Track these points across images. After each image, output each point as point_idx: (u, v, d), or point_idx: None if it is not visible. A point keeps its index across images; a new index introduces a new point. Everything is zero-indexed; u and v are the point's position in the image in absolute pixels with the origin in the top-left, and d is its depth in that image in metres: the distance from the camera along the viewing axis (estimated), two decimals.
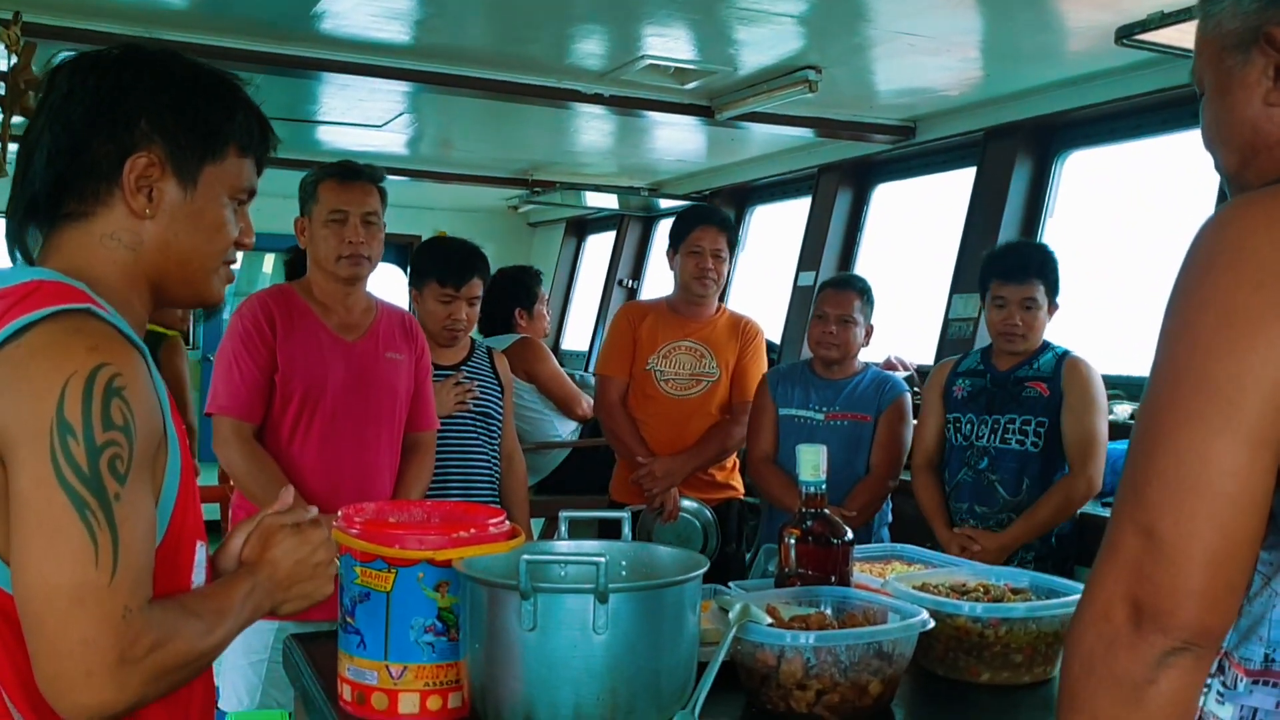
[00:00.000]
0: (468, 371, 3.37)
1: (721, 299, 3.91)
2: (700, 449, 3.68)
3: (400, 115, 5.50)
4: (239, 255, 1.43)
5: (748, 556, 3.84)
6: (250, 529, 1.42)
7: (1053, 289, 3.18)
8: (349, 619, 1.61)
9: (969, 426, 3.23)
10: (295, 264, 4.45)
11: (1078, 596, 1.79)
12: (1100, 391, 3.14)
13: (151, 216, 1.31)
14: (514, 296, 4.92)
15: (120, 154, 1.29)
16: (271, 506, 1.45)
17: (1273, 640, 1.03)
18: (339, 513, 1.67)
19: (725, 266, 3.73)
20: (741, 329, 3.81)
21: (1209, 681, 1.06)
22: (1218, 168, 1.19)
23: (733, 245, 3.76)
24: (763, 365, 3.82)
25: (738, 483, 3.87)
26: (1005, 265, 3.21)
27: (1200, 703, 1.05)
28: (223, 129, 1.35)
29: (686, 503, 3.69)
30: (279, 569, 1.37)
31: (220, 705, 2.91)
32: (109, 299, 1.27)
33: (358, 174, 2.87)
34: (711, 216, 3.81)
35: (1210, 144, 1.19)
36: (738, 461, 3.88)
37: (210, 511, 4.70)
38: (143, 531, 1.19)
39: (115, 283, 1.31)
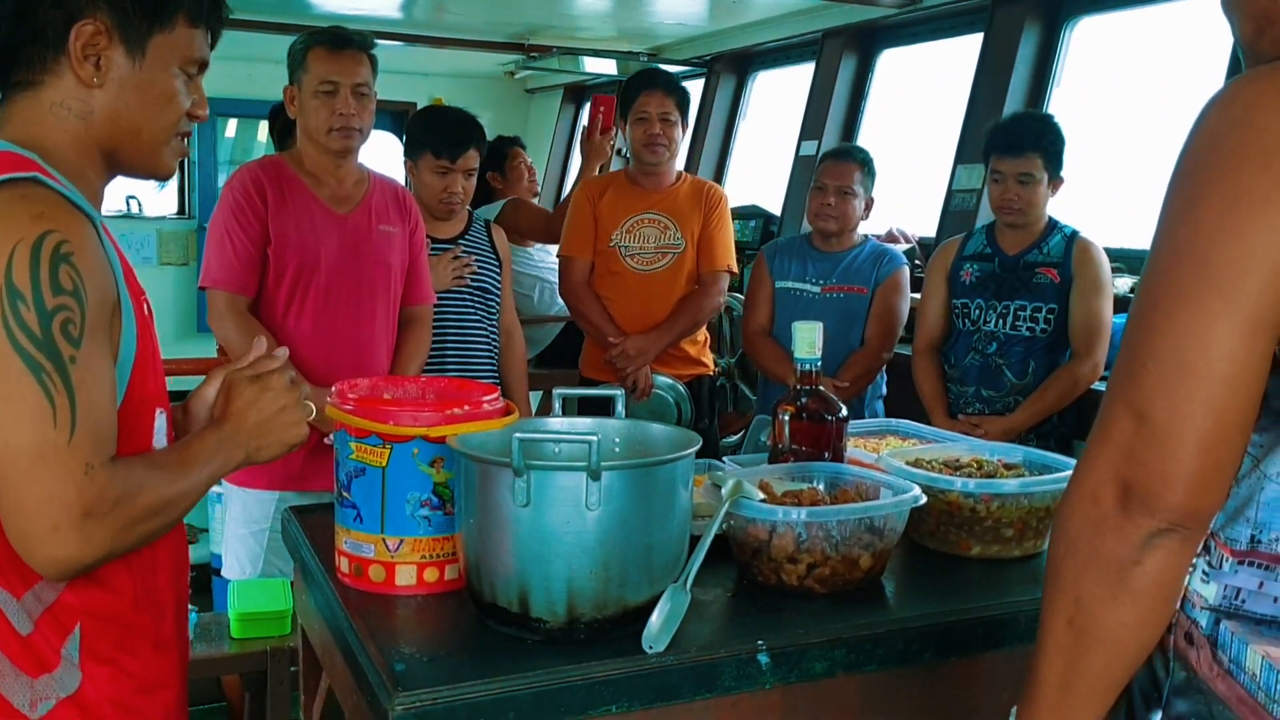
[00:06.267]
0: (465, 245, 3.32)
1: (691, 168, 3.81)
2: (671, 324, 3.62)
3: None
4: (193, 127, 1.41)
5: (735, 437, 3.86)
6: (223, 375, 1.45)
7: (1053, 162, 3.11)
8: (345, 493, 1.62)
9: (977, 312, 3.19)
10: (278, 128, 4.34)
11: (1070, 472, 1.83)
12: (1108, 274, 3.11)
13: (100, 86, 1.31)
14: (484, 165, 4.84)
15: (66, 21, 1.28)
16: (238, 361, 1.47)
17: (1260, 521, 1.03)
18: (333, 388, 1.67)
19: (676, 131, 3.59)
20: (705, 195, 3.68)
21: (1195, 561, 1.07)
22: (1234, 36, 1.15)
23: (683, 107, 3.60)
24: (729, 231, 3.71)
25: (708, 359, 3.85)
26: (1002, 139, 3.15)
27: (1185, 582, 1.07)
28: None
29: (659, 379, 3.67)
30: (245, 419, 1.40)
31: (223, 574, 2.96)
32: (61, 169, 1.27)
33: (348, 42, 2.78)
34: (656, 79, 3.66)
35: (1227, 10, 1.14)
36: (709, 338, 3.85)
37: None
38: (101, 393, 1.21)
39: (67, 152, 1.30)
